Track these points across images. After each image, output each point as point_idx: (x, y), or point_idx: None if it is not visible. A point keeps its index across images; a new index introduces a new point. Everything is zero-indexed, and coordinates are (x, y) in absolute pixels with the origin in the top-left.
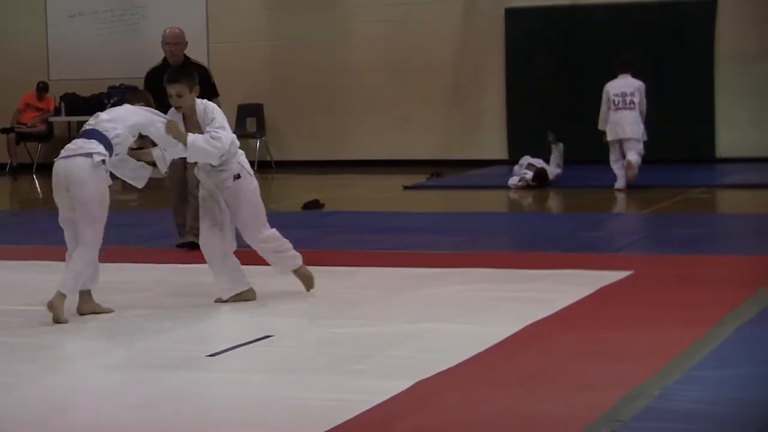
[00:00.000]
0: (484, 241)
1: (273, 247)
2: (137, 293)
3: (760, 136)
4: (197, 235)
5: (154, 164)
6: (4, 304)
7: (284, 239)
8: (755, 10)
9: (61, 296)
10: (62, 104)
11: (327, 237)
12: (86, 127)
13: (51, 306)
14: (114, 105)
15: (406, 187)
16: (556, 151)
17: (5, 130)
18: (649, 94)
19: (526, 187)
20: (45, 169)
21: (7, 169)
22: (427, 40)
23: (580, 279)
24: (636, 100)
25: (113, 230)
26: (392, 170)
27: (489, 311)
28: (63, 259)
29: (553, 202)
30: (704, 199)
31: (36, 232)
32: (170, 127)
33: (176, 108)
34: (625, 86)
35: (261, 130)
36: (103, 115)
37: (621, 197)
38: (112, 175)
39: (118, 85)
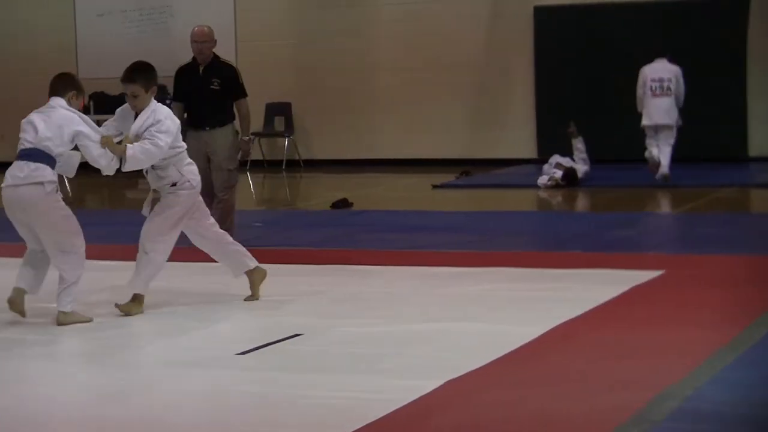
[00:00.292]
0: (513, 240)
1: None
2: (164, 292)
3: None
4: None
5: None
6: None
7: (233, 242)
8: None
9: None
10: (91, 103)
11: (356, 236)
12: (26, 144)
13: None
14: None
15: (435, 186)
16: (578, 144)
17: None
18: None
19: (556, 186)
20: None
21: None
22: (455, 37)
23: (611, 278)
24: (672, 86)
25: (134, 228)
26: (420, 169)
27: (518, 311)
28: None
29: (583, 201)
30: (736, 199)
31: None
32: (105, 143)
33: (131, 107)
34: (662, 71)
35: (289, 128)
36: (41, 129)
37: (652, 195)
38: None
39: None
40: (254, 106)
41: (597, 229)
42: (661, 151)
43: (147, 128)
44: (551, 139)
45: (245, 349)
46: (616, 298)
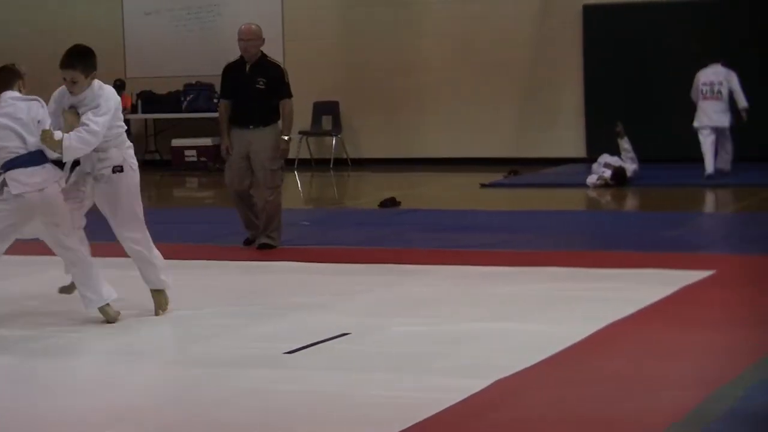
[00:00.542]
0: (562, 239)
1: (142, 254)
2: (208, 292)
3: None
4: (270, 236)
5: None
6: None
7: (157, 256)
8: None
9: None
10: (139, 102)
11: (404, 235)
12: (20, 151)
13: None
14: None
15: (483, 185)
16: (624, 144)
17: None
18: None
19: (605, 185)
20: None
21: None
22: (503, 36)
23: (661, 278)
24: (724, 90)
25: (182, 227)
26: (467, 168)
27: (567, 310)
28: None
29: (632, 200)
30: None
31: None
32: (44, 138)
33: (69, 92)
34: (713, 75)
35: (337, 127)
36: (26, 134)
37: (703, 195)
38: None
39: (194, 82)
40: (302, 105)
41: (646, 229)
42: (707, 152)
43: (85, 112)
44: (600, 139)
45: (293, 348)
46: (665, 299)
